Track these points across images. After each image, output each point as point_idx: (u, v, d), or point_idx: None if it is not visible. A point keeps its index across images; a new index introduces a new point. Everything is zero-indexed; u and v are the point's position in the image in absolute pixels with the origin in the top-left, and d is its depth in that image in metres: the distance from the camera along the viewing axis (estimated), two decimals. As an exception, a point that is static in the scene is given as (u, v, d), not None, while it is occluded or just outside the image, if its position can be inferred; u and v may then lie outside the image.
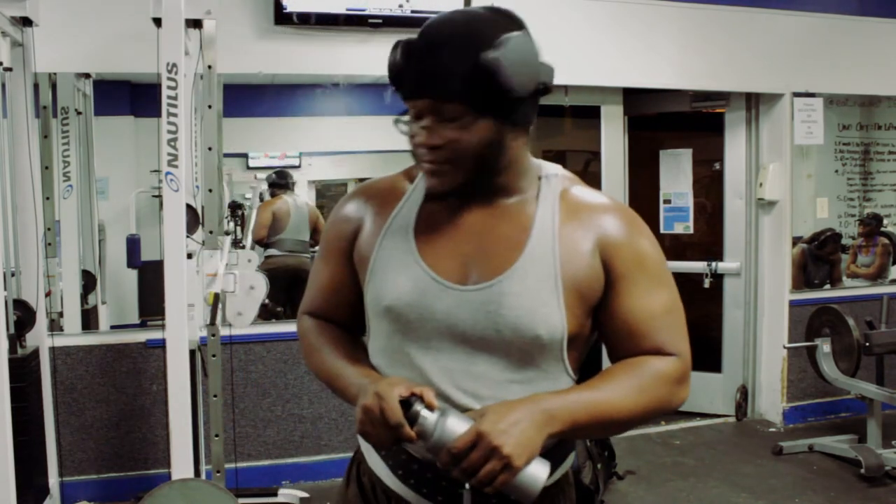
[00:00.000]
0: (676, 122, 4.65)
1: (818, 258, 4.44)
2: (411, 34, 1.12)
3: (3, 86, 2.94)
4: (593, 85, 4.06)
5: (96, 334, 3.46)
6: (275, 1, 3.39)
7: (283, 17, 3.41)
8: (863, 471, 3.48)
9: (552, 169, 1.20)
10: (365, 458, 1.22)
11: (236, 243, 3.84)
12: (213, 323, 2.94)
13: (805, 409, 4.42)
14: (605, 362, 1.19)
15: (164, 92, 2.63)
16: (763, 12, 4.21)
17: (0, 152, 2.91)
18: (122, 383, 3.41)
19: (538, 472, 1.01)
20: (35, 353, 3.00)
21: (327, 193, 4.16)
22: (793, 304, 4.33)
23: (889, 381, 3.81)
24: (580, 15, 3.91)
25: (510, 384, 1.09)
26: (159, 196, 2.94)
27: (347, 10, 3.49)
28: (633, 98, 4.38)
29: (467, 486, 1.05)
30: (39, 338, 3.04)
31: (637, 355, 1.13)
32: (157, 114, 2.66)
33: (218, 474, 2.98)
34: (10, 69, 2.85)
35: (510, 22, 1.11)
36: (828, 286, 4.50)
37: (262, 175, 4.03)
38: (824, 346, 3.88)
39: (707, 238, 4.60)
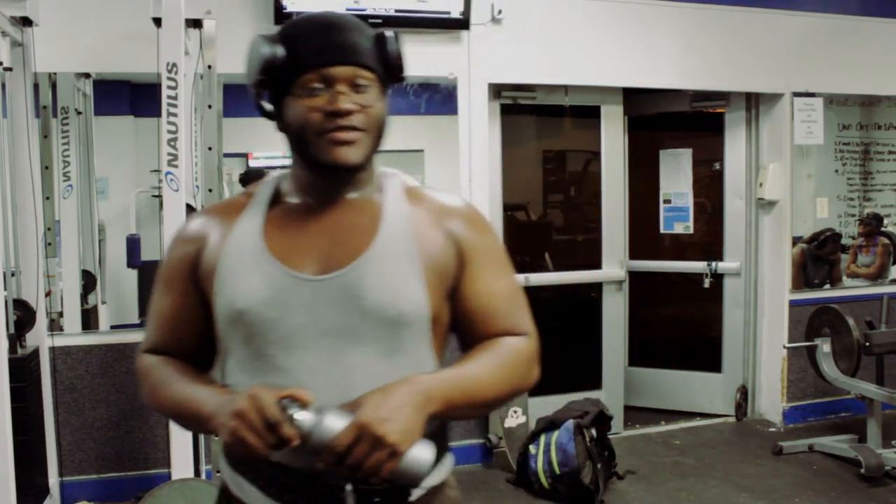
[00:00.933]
0: (676, 122, 4.65)
1: (818, 258, 4.44)
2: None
3: (3, 86, 2.94)
4: (593, 85, 4.07)
5: (96, 334, 3.46)
6: (275, 1, 3.39)
7: (283, 17, 3.41)
8: (863, 471, 3.48)
9: (391, 170, 1.23)
10: (230, 488, 1.16)
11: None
12: (213, 323, 2.93)
13: (805, 409, 4.42)
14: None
15: (164, 92, 2.63)
16: (763, 12, 4.21)
17: (0, 152, 2.91)
18: (122, 383, 3.41)
19: (423, 454, 0.99)
20: (35, 353, 3.00)
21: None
22: (793, 303, 4.33)
23: (889, 381, 3.81)
24: (580, 15, 3.91)
25: (381, 373, 1.06)
26: (159, 196, 2.94)
27: (347, 10, 3.49)
28: (633, 98, 4.38)
29: (349, 487, 1.03)
30: (39, 338, 3.04)
31: (493, 336, 1.15)
32: (157, 114, 2.66)
33: (218, 474, 2.98)
34: (10, 69, 2.86)
35: None
36: (828, 286, 4.50)
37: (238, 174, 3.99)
38: (824, 346, 3.88)
39: (707, 238, 4.60)
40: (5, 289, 2.75)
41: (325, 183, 1.15)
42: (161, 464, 3.31)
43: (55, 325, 3.29)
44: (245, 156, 3.99)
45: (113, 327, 3.57)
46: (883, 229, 4.64)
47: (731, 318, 4.53)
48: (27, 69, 2.96)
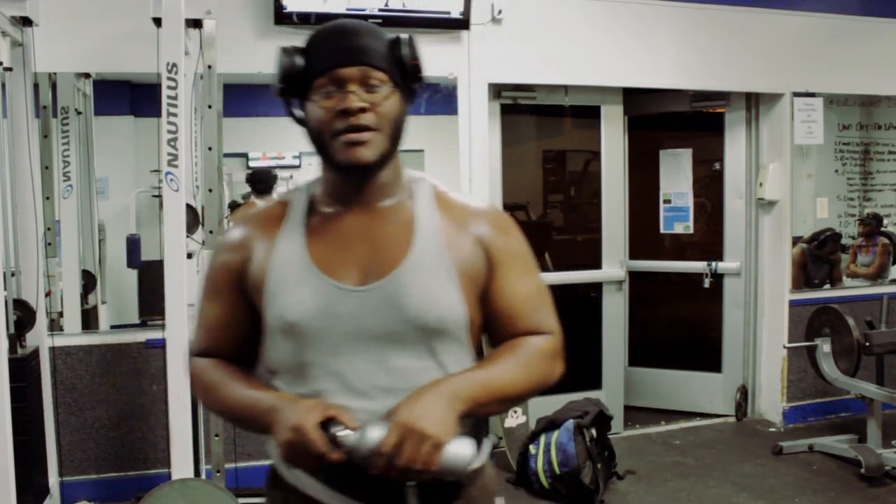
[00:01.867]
0: (676, 122, 4.65)
1: (818, 258, 4.44)
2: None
3: (3, 86, 2.94)
4: (593, 85, 4.07)
5: (96, 334, 3.46)
6: (275, 1, 3.39)
7: (283, 17, 3.41)
8: (863, 471, 3.48)
9: (418, 174, 1.26)
10: (288, 482, 1.20)
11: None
12: (213, 323, 2.93)
13: (805, 409, 4.42)
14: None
15: (164, 92, 2.63)
16: (763, 12, 4.21)
17: (0, 152, 2.91)
18: (122, 383, 3.41)
19: (463, 447, 1.07)
20: (35, 353, 3.00)
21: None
22: (793, 303, 4.33)
23: (889, 381, 3.81)
24: (580, 15, 3.92)
25: (424, 374, 1.13)
26: (159, 196, 2.94)
27: (347, 10, 3.49)
28: (633, 98, 4.38)
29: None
30: (39, 338, 3.04)
31: (517, 336, 1.21)
32: (157, 114, 2.66)
33: (218, 474, 2.98)
34: (10, 69, 2.86)
35: None
36: (828, 286, 4.50)
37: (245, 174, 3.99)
38: (824, 346, 3.88)
39: (707, 238, 4.60)
40: (5, 289, 2.75)
41: (351, 187, 1.19)
42: (161, 464, 3.31)
43: (55, 325, 3.29)
44: (245, 156, 3.99)
45: (113, 327, 3.57)
46: (883, 229, 4.64)
47: (731, 318, 4.53)
48: (27, 69, 2.96)
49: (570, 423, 3.45)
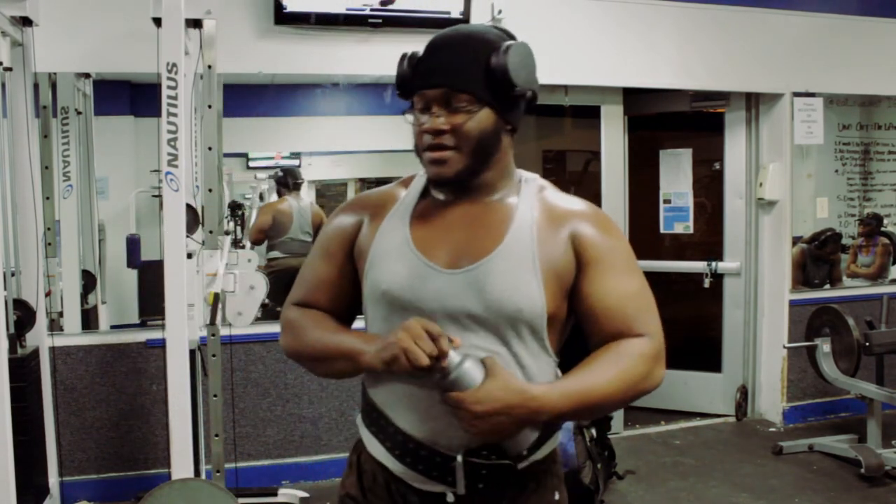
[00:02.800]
0: (676, 122, 4.65)
1: (818, 258, 4.45)
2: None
3: (3, 86, 2.94)
4: (593, 85, 4.07)
5: (96, 334, 3.46)
6: (275, 1, 3.39)
7: (283, 17, 3.41)
8: (863, 471, 3.48)
9: (530, 175, 1.33)
10: (366, 446, 1.30)
11: (236, 243, 3.84)
12: (213, 323, 2.94)
13: (805, 409, 4.42)
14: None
15: (164, 92, 2.63)
16: (763, 12, 4.21)
17: (0, 152, 2.91)
18: (122, 383, 3.41)
19: (524, 435, 1.19)
20: (35, 353, 3.00)
21: (327, 193, 4.16)
22: (793, 303, 4.33)
23: (889, 381, 3.81)
24: (580, 15, 3.91)
25: (496, 358, 1.17)
26: (159, 196, 2.94)
27: (347, 9, 3.49)
28: (633, 98, 4.38)
29: (459, 458, 1.18)
30: (39, 338, 3.04)
31: (611, 336, 1.22)
32: (157, 114, 2.66)
33: (218, 474, 2.98)
34: (10, 69, 2.85)
35: (510, 36, 1.25)
36: (828, 286, 4.50)
37: (262, 175, 4.02)
38: (824, 346, 3.87)
39: (707, 238, 4.60)
40: (5, 289, 2.75)
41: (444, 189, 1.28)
42: (161, 464, 3.31)
43: (55, 325, 3.29)
44: (245, 156, 4.00)
45: (113, 327, 3.58)
46: (883, 229, 4.64)
47: (731, 318, 4.53)
48: (27, 69, 2.96)
49: (569, 423, 3.44)
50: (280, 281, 3.73)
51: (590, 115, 4.26)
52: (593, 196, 4.32)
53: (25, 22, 2.90)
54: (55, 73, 3.30)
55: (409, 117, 1.24)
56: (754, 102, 4.43)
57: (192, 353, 2.83)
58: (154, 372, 3.41)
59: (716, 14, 4.14)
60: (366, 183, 4.12)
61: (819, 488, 3.48)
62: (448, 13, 3.59)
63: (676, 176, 4.61)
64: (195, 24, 2.91)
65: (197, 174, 3.15)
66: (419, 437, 1.21)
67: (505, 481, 1.23)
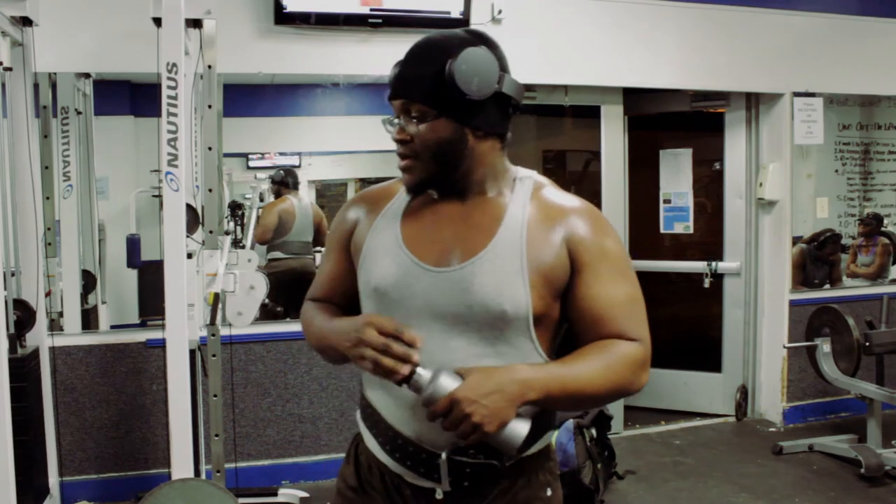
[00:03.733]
0: (676, 122, 4.65)
1: (817, 259, 4.45)
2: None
3: (3, 86, 2.94)
4: (593, 85, 4.07)
5: (96, 334, 3.46)
6: (275, 1, 3.39)
7: (283, 17, 3.41)
8: (863, 471, 3.48)
9: (526, 172, 1.33)
10: (363, 438, 1.35)
11: (236, 243, 3.84)
12: (213, 323, 2.94)
13: (805, 408, 4.42)
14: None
15: (164, 92, 2.63)
16: (763, 12, 4.21)
17: (0, 152, 2.91)
18: (122, 383, 3.41)
19: (518, 429, 1.13)
20: (35, 353, 3.00)
21: (327, 193, 4.16)
22: (793, 303, 4.33)
23: (889, 381, 3.81)
24: (580, 15, 3.91)
25: (482, 358, 1.20)
26: (159, 196, 2.94)
27: (348, 10, 3.49)
28: (633, 98, 4.38)
29: (443, 456, 1.20)
30: (39, 338, 3.04)
31: (602, 339, 1.23)
32: (157, 114, 2.66)
33: (218, 474, 2.98)
34: (10, 69, 2.85)
35: (477, 40, 1.24)
36: (828, 286, 4.50)
37: (263, 175, 4.01)
38: (824, 346, 3.88)
39: (707, 238, 4.60)
40: (5, 289, 2.75)
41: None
42: (161, 464, 3.31)
43: (55, 325, 3.29)
44: (245, 156, 3.99)
45: (113, 327, 3.57)
46: (883, 229, 4.64)
47: (731, 318, 4.53)
48: (27, 69, 2.96)
49: (569, 423, 3.45)
50: (281, 281, 3.73)
51: (590, 115, 4.26)
52: (593, 196, 4.32)
53: (25, 22, 2.90)
54: (55, 73, 3.30)
55: (389, 127, 1.28)
56: (754, 102, 4.43)
57: (192, 353, 2.83)
58: (154, 372, 3.41)
59: (716, 14, 4.14)
60: (366, 183, 4.12)
61: (819, 488, 3.48)
62: (448, 13, 3.59)
63: (676, 176, 4.61)
64: (195, 24, 2.91)
65: (197, 174, 3.14)
66: (407, 435, 1.24)
67: (491, 479, 1.25)
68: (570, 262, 1.22)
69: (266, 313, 3.53)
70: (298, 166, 4.02)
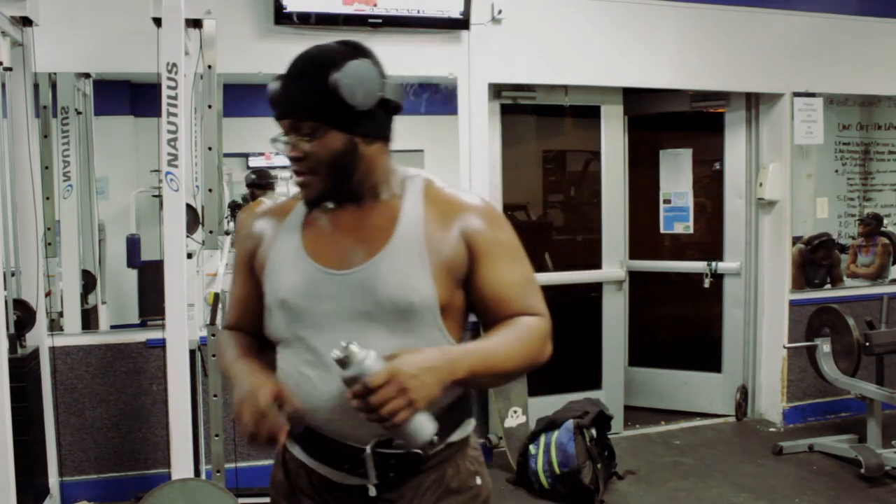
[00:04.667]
0: (676, 122, 4.65)
1: (812, 262, 4.46)
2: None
3: (3, 86, 2.94)
4: (593, 85, 4.07)
5: (96, 334, 3.46)
6: (275, 1, 3.39)
7: (283, 17, 3.41)
8: (863, 471, 3.48)
9: (414, 171, 1.37)
10: (287, 446, 1.38)
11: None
12: (213, 323, 2.93)
13: (805, 409, 4.42)
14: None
15: (164, 92, 2.63)
16: (763, 12, 4.21)
17: (0, 152, 2.91)
18: (122, 383, 3.41)
19: (428, 424, 1.15)
20: (35, 353, 3.00)
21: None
22: (793, 303, 4.33)
23: (889, 381, 3.81)
24: (580, 15, 3.92)
25: (393, 348, 1.21)
26: (159, 196, 2.94)
27: (346, 11, 3.49)
28: (633, 98, 4.38)
29: (368, 449, 1.22)
30: (39, 338, 3.04)
31: (507, 318, 1.29)
32: (157, 114, 2.66)
33: (218, 474, 2.98)
34: (10, 69, 2.85)
35: (355, 51, 1.27)
36: (828, 286, 4.50)
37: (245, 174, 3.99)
38: (824, 346, 3.88)
39: (707, 238, 4.60)
40: (5, 289, 2.75)
41: None
42: (161, 464, 3.31)
43: (55, 325, 3.29)
44: (245, 156, 3.99)
45: (113, 327, 3.57)
46: (883, 229, 4.64)
47: (731, 318, 4.53)
48: (27, 69, 2.96)
49: (570, 423, 3.45)
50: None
51: (590, 115, 4.26)
52: (593, 196, 4.33)
53: (25, 22, 2.90)
54: (55, 73, 3.30)
55: (280, 145, 1.28)
56: (754, 102, 4.43)
57: (192, 353, 2.83)
58: (154, 372, 3.41)
59: (716, 14, 4.14)
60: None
61: (819, 488, 3.48)
62: (448, 13, 3.59)
63: (676, 176, 4.61)
64: (195, 24, 2.91)
65: (197, 174, 3.15)
66: (329, 435, 1.27)
67: (416, 470, 1.28)
68: (467, 253, 1.27)
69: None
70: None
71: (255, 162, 4.02)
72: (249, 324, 1.42)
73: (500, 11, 3.73)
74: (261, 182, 3.92)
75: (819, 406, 4.44)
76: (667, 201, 4.63)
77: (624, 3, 3.98)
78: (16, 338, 2.86)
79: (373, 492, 1.26)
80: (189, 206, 2.82)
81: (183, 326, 2.63)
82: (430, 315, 1.25)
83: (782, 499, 3.40)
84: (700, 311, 4.66)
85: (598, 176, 4.29)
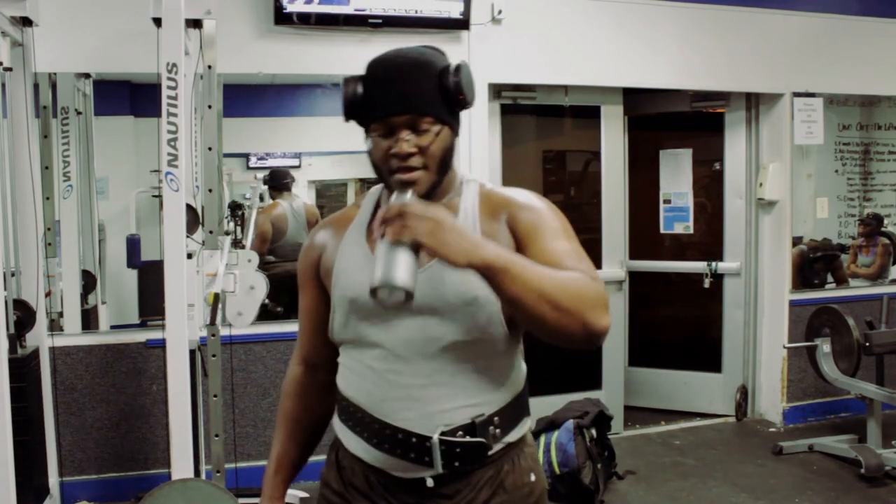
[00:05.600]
0: (676, 122, 4.65)
1: (814, 270, 4.46)
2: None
3: (3, 86, 2.94)
4: (593, 85, 4.07)
5: (96, 334, 3.46)
6: (275, 1, 3.39)
7: (283, 17, 3.41)
8: (863, 471, 3.48)
9: (470, 176, 1.43)
10: (342, 443, 1.40)
11: (236, 243, 3.84)
12: (213, 323, 2.94)
13: (805, 409, 4.42)
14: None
15: (164, 92, 2.63)
16: (763, 12, 4.21)
17: (0, 152, 2.91)
18: (122, 383, 3.41)
19: (406, 268, 1.12)
20: (35, 353, 3.00)
21: (327, 193, 4.16)
22: (793, 304, 4.33)
23: (889, 381, 3.81)
24: (580, 15, 3.92)
25: (459, 342, 1.27)
26: (159, 196, 2.94)
27: (347, 11, 3.49)
28: (633, 98, 4.38)
29: (435, 437, 1.25)
30: (39, 338, 3.04)
31: None
32: (157, 114, 2.66)
33: (218, 474, 2.98)
34: (10, 69, 2.85)
35: (444, 55, 1.36)
36: (830, 284, 4.51)
37: (262, 175, 4.01)
38: (824, 346, 3.88)
39: (707, 238, 4.60)
40: (5, 289, 2.75)
41: None
42: (161, 464, 3.31)
43: (55, 325, 3.29)
44: (245, 156, 3.99)
45: (113, 327, 3.57)
46: (883, 229, 4.64)
47: (731, 318, 4.53)
48: (27, 69, 2.96)
49: (570, 423, 3.45)
50: (277, 284, 3.72)
51: (590, 115, 4.26)
52: (593, 196, 4.33)
53: (25, 22, 2.90)
54: (55, 73, 3.30)
55: (369, 143, 1.32)
56: (754, 102, 4.43)
57: (192, 353, 2.83)
58: (154, 372, 3.41)
59: (716, 14, 4.14)
60: (366, 183, 4.11)
61: (819, 488, 3.48)
62: (448, 13, 3.59)
63: (676, 176, 4.61)
64: (195, 24, 2.91)
65: (197, 174, 3.15)
66: (394, 424, 1.29)
67: (479, 461, 1.30)
68: (513, 240, 1.30)
69: (266, 314, 3.53)
70: (298, 166, 4.02)
71: (254, 162, 4.02)
72: (320, 344, 1.46)
73: (500, 11, 3.73)
74: (278, 184, 3.94)
75: (819, 406, 4.44)
76: (667, 201, 4.63)
77: (624, 3, 3.98)
78: (16, 338, 2.86)
79: (430, 483, 1.28)
80: (189, 207, 2.82)
81: (183, 326, 2.63)
82: (491, 306, 1.27)
83: (782, 499, 3.40)
84: (700, 311, 4.66)
85: (598, 176, 4.29)
